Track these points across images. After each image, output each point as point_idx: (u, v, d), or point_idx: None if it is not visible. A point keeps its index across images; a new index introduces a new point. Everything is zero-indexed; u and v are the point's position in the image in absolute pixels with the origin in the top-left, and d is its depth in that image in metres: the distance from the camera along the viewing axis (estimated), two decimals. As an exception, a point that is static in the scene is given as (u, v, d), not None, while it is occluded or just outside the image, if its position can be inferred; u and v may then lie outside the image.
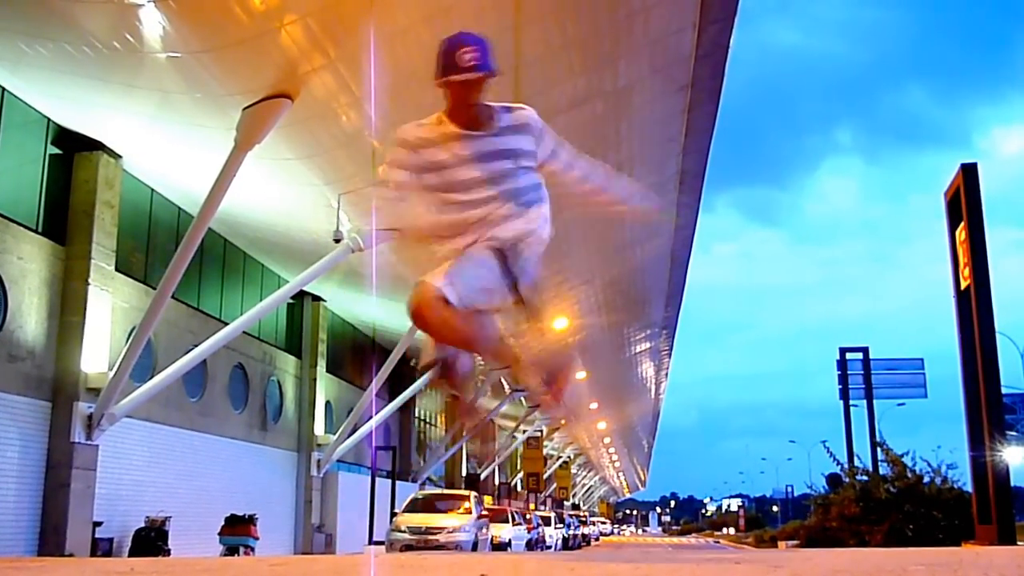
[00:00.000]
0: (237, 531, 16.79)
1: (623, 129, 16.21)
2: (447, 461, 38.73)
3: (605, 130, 15.87)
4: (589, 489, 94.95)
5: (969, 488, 11.94)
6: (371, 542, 21.84)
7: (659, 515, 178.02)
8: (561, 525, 37.00)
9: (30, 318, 13.86)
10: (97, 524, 14.61)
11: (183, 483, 17.78)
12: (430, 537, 17.45)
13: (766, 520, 77.35)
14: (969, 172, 11.25)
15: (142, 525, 15.65)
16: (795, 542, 20.75)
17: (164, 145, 14.83)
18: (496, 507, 28.44)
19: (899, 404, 36.66)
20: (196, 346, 16.04)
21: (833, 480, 17.51)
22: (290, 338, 24.23)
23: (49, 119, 14.30)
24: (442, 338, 3.57)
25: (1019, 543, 10.65)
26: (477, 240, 3.56)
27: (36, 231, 14.18)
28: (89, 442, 14.26)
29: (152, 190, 16.94)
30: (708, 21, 12.89)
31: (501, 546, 21.50)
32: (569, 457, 64.61)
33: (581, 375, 29.70)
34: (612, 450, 71.10)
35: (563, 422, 46.40)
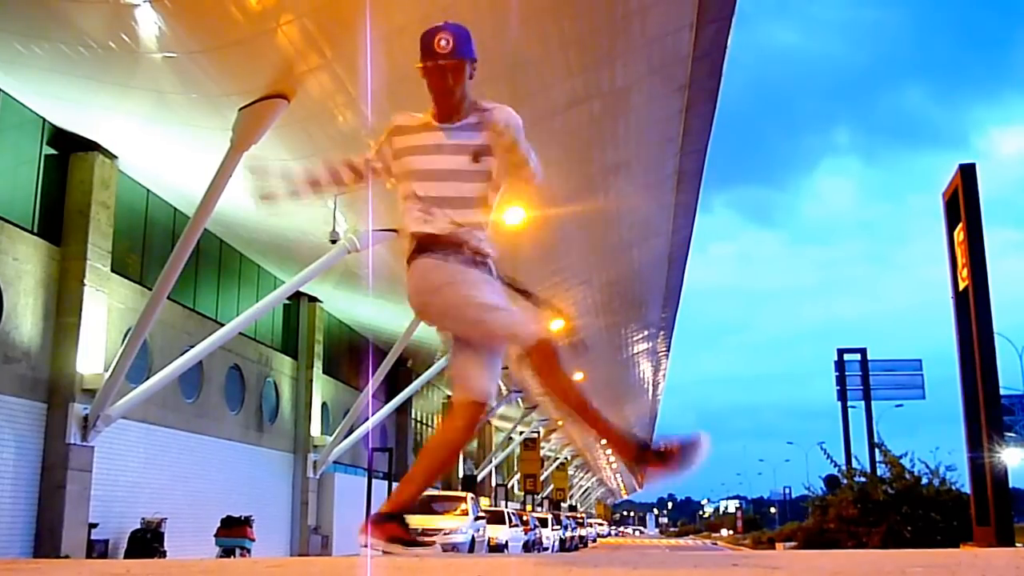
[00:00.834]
0: (233, 533, 16.75)
1: (620, 129, 16.20)
2: (444, 462, 38.62)
3: (602, 130, 15.86)
4: (586, 491, 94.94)
5: (967, 490, 11.90)
6: (367, 544, 21.77)
7: (656, 516, 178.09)
8: (558, 527, 36.97)
9: (25, 319, 13.81)
10: (93, 526, 14.57)
11: (179, 484, 17.73)
12: (427, 539, 17.37)
13: (764, 522, 77.40)
14: (967, 173, 11.21)
15: (138, 527, 15.61)
16: (793, 544, 20.72)
17: (160, 145, 14.79)
18: (493, 509, 28.42)
19: (897, 405, 36.66)
20: (192, 347, 16.02)
21: (831, 482, 17.47)
22: (286, 339, 24.18)
23: (45, 119, 14.25)
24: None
25: (1018, 545, 10.62)
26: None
27: (31, 232, 14.13)
28: (85, 443, 14.22)
29: (148, 191, 16.90)
30: (706, 21, 12.87)
31: (498, 548, 21.47)
32: (566, 458, 64.56)
33: (578, 376, 29.67)
34: (609, 452, 71.06)
35: (560, 423, 46.39)
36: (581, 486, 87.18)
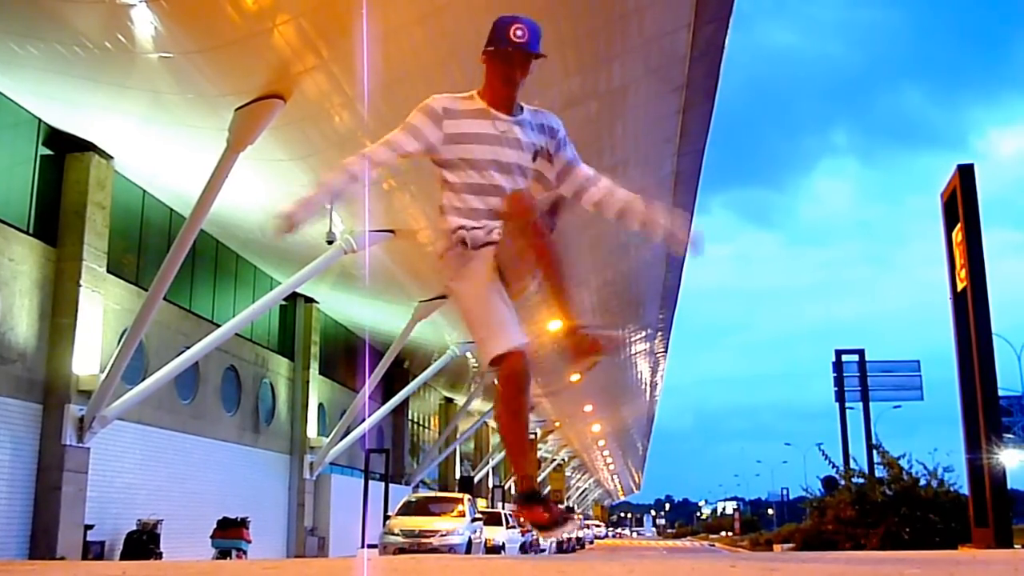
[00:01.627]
0: (229, 534, 16.73)
1: (618, 130, 16.17)
2: (441, 464, 38.68)
3: (599, 131, 15.82)
4: (583, 492, 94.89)
5: (966, 491, 11.89)
6: (364, 545, 21.75)
7: (654, 518, 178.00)
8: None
9: (21, 320, 13.76)
10: (88, 527, 14.53)
11: (175, 486, 17.69)
12: (423, 540, 17.38)
13: (761, 523, 77.55)
14: (965, 173, 11.20)
15: (134, 528, 15.58)
16: (791, 545, 20.69)
17: (156, 146, 14.76)
18: (490, 510, 28.40)
19: (895, 406, 36.61)
20: (188, 348, 15.99)
21: (829, 483, 17.47)
22: (283, 340, 24.14)
23: (40, 120, 14.21)
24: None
25: (1016, 546, 10.61)
26: (484, 233, 3.44)
27: (27, 232, 14.08)
28: (80, 445, 14.18)
29: (144, 191, 16.85)
30: (703, 21, 12.85)
31: (495, 549, 21.42)
32: (563, 460, 64.51)
33: (575, 377, 29.63)
34: (607, 453, 71.04)
35: (557, 424, 46.37)
36: (578, 487, 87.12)
